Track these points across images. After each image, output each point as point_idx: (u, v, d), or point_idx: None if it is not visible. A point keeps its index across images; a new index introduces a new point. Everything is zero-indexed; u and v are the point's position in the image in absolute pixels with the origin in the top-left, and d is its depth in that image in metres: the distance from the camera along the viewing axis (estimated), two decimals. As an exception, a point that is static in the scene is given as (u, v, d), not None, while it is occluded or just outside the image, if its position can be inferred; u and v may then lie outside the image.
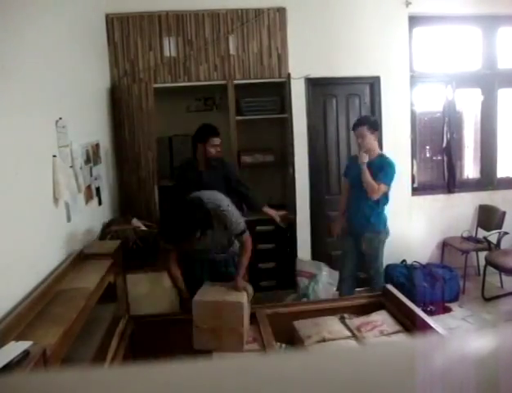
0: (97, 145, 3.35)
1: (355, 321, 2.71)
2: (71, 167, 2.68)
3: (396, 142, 4.50)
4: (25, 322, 1.74)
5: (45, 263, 2.23)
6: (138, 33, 4.07)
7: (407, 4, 4.35)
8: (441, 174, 4.89)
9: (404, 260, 4.52)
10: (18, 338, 1.61)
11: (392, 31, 4.40)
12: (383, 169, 3.38)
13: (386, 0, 4.36)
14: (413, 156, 4.67)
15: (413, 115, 4.67)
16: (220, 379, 0.40)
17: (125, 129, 4.02)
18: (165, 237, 2.63)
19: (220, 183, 3.25)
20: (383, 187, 3.37)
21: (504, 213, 4.46)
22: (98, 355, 2.13)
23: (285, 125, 4.22)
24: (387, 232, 3.53)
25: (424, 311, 2.93)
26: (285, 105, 4.20)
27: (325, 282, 3.83)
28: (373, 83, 4.45)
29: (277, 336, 2.60)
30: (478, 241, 4.57)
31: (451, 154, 4.77)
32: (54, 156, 2.40)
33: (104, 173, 3.52)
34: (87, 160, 3.05)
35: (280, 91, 4.28)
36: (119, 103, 4.04)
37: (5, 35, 1.99)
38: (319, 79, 4.31)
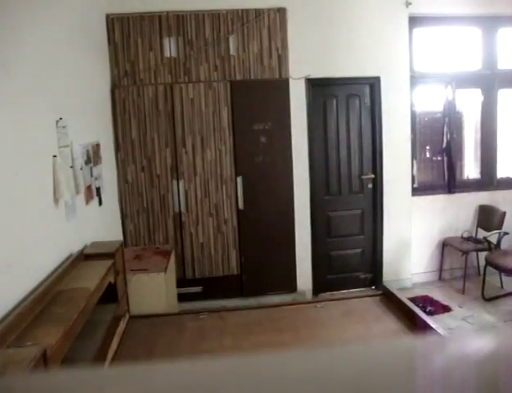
0: (98, 145, 3.35)
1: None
2: (71, 167, 2.68)
3: (396, 143, 4.50)
4: (26, 322, 1.74)
5: (45, 263, 2.23)
6: (138, 34, 4.07)
7: (407, 4, 4.35)
8: (441, 175, 4.89)
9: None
10: (18, 338, 1.61)
11: (392, 31, 4.40)
12: None
13: (386, 0, 4.36)
14: (413, 157, 4.67)
15: (413, 115, 4.66)
16: (220, 379, 0.40)
17: (126, 129, 4.03)
18: None
19: None
20: None
21: (504, 213, 4.46)
22: (98, 355, 2.13)
23: (286, 126, 4.23)
24: None
25: (424, 311, 2.93)
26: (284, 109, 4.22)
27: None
28: (373, 84, 4.45)
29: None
30: (478, 241, 4.57)
31: (451, 154, 4.77)
32: (54, 156, 2.40)
33: (104, 173, 3.52)
34: (88, 161, 3.06)
35: (280, 91, 4.29)
36: (119, 103, 4.05)
37: (5, 35, 1.99)
38: (319, 79, 4.31)
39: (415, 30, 4.59)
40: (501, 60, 4.83)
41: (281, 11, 4.20)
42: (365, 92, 4.51)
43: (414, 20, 4.49)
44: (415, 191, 4.72)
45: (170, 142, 4.15)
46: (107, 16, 4.01)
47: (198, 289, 4.26)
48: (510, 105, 4.95)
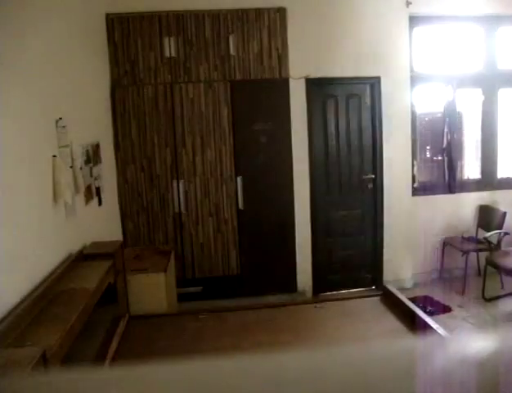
0: (97, 145, 3.35)
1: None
2: (71, 167, 2.68)
3: (396, 143, 4.50)
4: (25, 322, 1.74)
5: (45, 263, 2.23)
6: (138, 33, 4.07)
7: (408, 4, 4.35)
8: (441, 175, 4.89)
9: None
10: (18, 338, 1.61)
11: (392, 31, 4.39)
12: None
13: (386, 0, 4.36)
14: (413, 157, 4.67)
15: (413, 115, 4.66)
16: (220, 379, 0.40)
17: (126, 129, 4.03)
18: None
19: None
20: None
21: (504, 213, 4.46)
22: (98, 355, 2.13)
23: (286, 127, 4.24)
24: None
25: (425, 311, 2.93)
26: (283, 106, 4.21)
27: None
28: (373, 84, 4.45)
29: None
30: (478, 241, 4.57)
31: (451, 154, 4.77)
32: (54, 156, 2.40)
33: (104, 173, 3.52)
34: (87, 161, 3.06)
35: (280, 91, 4.29)
36: (119, 103, 4.04)
37: (5, 35, 1.99)
38: (319, 79, 4.31)
39: (416, 30, 4.59)
40: (502, 59, 4.82)
41: (281, 11, 4.20)
42: (365, 92, 4.50)
43: (414, 20, 4.49)
44: (416, 191, 4.72)
45: (170, 142, 4.15)
46: (107, 16, 4.01)
47: (198, 289, 4.26)
48: (511, 104, 4.95)
